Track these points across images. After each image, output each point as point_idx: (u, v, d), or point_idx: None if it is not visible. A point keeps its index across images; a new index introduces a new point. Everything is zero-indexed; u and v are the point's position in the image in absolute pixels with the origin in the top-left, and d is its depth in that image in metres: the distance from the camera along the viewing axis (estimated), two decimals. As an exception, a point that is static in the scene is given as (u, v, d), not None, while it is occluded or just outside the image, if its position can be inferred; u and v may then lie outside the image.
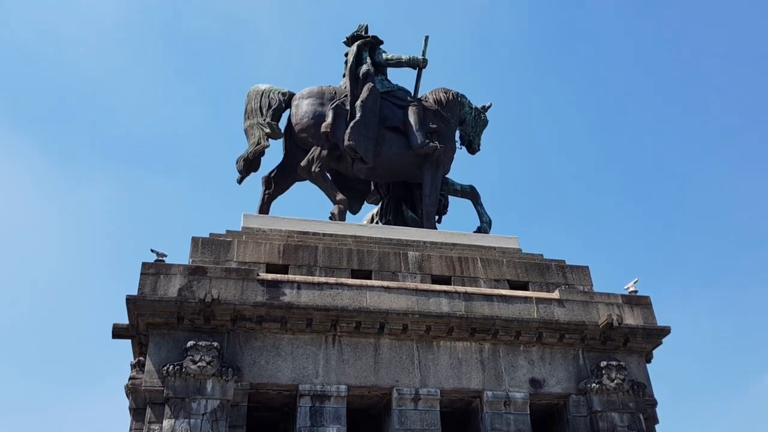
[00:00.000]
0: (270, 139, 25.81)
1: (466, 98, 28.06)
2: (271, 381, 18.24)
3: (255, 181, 26.50)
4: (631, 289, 21.83)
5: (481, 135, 28.47)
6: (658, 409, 20.19)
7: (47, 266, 78.37)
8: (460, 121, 27.76)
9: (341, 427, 18.02)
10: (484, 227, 26.44)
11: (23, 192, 73.54)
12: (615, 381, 19.35)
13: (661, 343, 20.84)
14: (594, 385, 19.35)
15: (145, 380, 17.43)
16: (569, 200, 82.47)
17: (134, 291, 18.29)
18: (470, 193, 27.48)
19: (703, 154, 76.61)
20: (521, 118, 76.16)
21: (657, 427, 20.04)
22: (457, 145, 27.68)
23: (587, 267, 23.19)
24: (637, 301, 21.34)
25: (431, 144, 25.35)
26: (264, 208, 25.50)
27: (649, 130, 77.89)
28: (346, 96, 25.49)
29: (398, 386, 18.78)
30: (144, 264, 18.85)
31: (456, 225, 39.31)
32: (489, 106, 28.56)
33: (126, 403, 18.46)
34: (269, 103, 25.87)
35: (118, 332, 19.23)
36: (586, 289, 22.11)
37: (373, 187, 28.38)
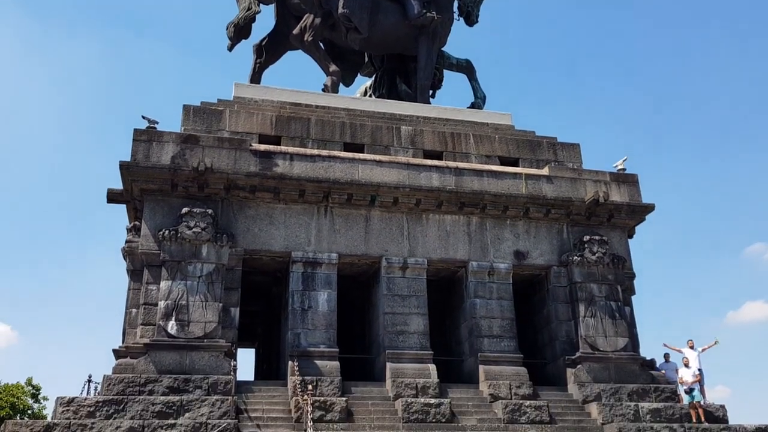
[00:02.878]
0: (261, 5, 24.95)
1: (466, -34, 26.88)
2: (265, 248, 18.82)
3: (246, 49, 25.93)
4: (620, 167, 22.09)
5: (479, 6, 27.56)
6: (636, 282, 21.14)
7: (38, 128, 77.76)
8: (458, -10, 26.76)
9: (332, 292, 18.84)
10: (478, 103, 26.24)
11: (6, 49, 71.40)
12: (596, 254, 20.09)
13: (644, 219, 21.42)
14: (576, 257, 20.10)
15: (141, 244, 17.95)
16: (564, 78, 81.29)
17: (128, 158, 18.39)
18: (466, 68, 27.00)
19: (694, 31, 74.84)
20: (522, -8, 73.33)
21: (633, 298, 21.06)
22: (455, 16, 26.85)
23: (578, 144, 23.33)
24: (624, 179, 21.68)
25: (428, 14, 24.58)
26: (255, 78, 25.09)
27: (643, 10, 75.52)
28: (340, -39, 24.35)
29: (387, 255, 19.44)
30: (136, 131, 18.82)
31: (450, 100, 38.89)
32: None
33: (124, 264, 19.10)
34: (260, -35, 24.74)
35: (112, 197, 19.53)
36: (575, 167, 22.36)
37: (367, 59, 27.80)
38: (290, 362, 17.61)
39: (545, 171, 21.36)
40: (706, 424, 17.81)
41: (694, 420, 17.96)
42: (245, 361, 54.89)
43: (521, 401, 17.63)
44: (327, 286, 18.87)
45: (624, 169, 22.05)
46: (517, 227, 20.63)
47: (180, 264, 17.67)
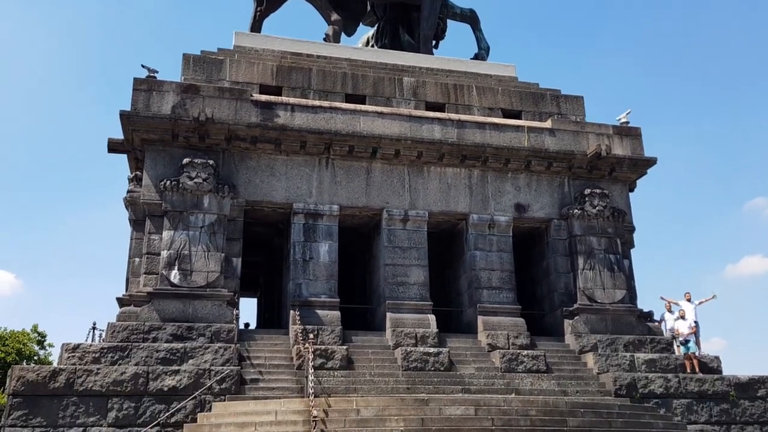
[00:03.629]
0: (262, -48, 24.41)
1: None
2: (266, 199, 18.88)
3: (246, -3, 25.44)
4: (623, 120, 21.94)
5: (484, -46, 26.92)
6: (636, 235, 21.24)
7: (40, 76, 77.07)
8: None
9: (333, 243, 18.99)
10: (482, 54, 25.89)
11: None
12: (597, 207, 20.15)
13: (646, 173, 21.39)
14: (576, 211, 20.16)
15: (143, 194, 18.02)
16: (569, 30, 79.89)
17: (128, 107, 18.29)
18: (470, 17, 26.55)
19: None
20: (529, -61, 71.49)
21: (632, 251, 21.20)
22: (459, -36, 26.28)
23: (581, 97, 23.12)
24: (627, 132, 21.57)
25: (432, -38, 24.03)
26: (256, 27, 24.72)
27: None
28: None
29: (388, 207, 19.52)
30: (136, 80, 18.66)
31: (453, 50, 38.32)
32: None
33: (126, 214, 19.21)
34: None
35: (113, 147, 19.50)
36: (578, 119, 22.23)
37: (369, 8, 27.31)
38: (292, 312, 17.88)
39: (548, 124, 21.24)
40: (700, 374, 18.16)
41: (689, 370, 18.30)
42: (247, 310, 55.66)
43: (519, 351, 17.95)
44: (328, 237, 19.01)
45: (627, 122, 21.91)
46: (519, 180, 20.63)
47: (182, 214, 17.77)
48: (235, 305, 17.84)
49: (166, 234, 17.60)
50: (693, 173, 74.05)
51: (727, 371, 18.96)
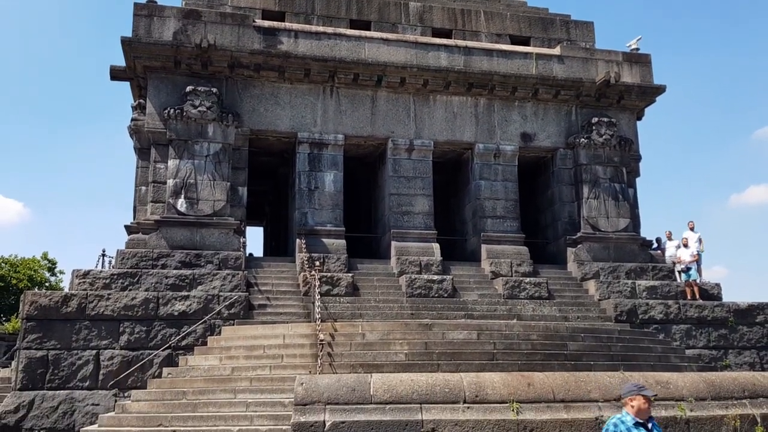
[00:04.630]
0: None
1: None
2: (271, 128, 18.80)
3: None
4: (633, 46, 21.47)
5: None
6: (642, 164, 21.16)
7: (42, 5, 75.64)
8: None
9: (338, 173, 19.02)
10: (490, -22, 25.10)
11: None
12: (603, 136, 20.00)
13: (654, 101, 21.10)
14: (583, 140, 20.03)
15: (147, 122, 17.96)
16: (585, -46, 77.04)
17: (129, 34, 18.00)
18: (478, -60, 25.61)
19: None
20: None
21: (638, 180, 21.18)
22: None
23: (592, 23, 22.57)
24: (636, 59, 21.14)
25: None
26: (258, -50, 23.93)
27: None
28: None
29: (393, 137, 19.42)
30: (136, 5, 18.28)
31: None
32: None
33: (131, 143, 19.22)
34: None
35: (116, 74, 19.31)
36: (588, 46, 21.77)
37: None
38: (298, 240, 18.10)
39: (557, 50, 20.83)
40: (700, 301, 18.45)
41: (689, 297, 18.59)
42: (254, 239, 56.27)
43: (521, 278, 18.23)
44: (333, 167, 19.02)
45: (637, 49, 21.45)
46: (525, 109, 20.42)
47: (187, 143, 17.76)
48: (242, 233, 18.06)
49: (172, 163, 17.65)
50: (701, 102, 73.00)
51: (727, 298, 19.27)
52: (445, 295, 17.42)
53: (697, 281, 19.07)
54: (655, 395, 6.17)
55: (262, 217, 27.05)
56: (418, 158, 19.57)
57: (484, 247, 19.29)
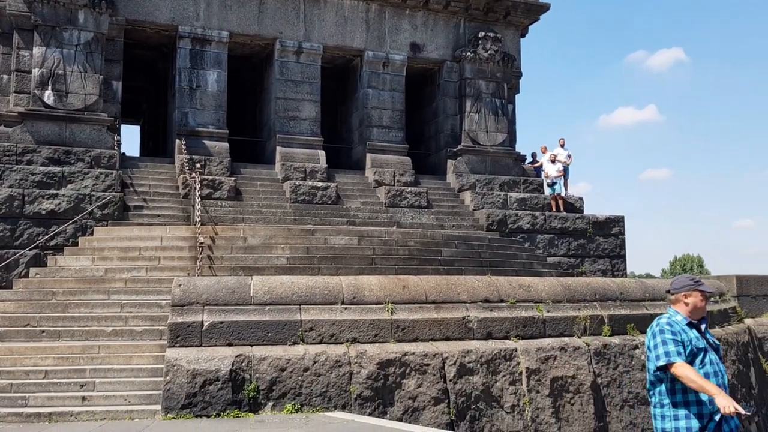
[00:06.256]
0: None
1: None
2: (149, 19, 17.61)
3: None
4: (523, -37, 21.66)
5: None
6: (522, 81, 21.93)
7: None
8: None
9: (222, 72, 18.30)
10: None
11: None
12: (489, 51, 20.42)
13: (538, 19, 21.66)
14: (469, 54, 20.35)
15: (9, 4, 16.19)
16: None
17: None
18: None
19: None
20: None
21: (517, 96, 21.98)
22: None
23: (486, -65, 22.42)
24: (525, -23, 21.42)
25: None
26: None
27: None
28: None
29: (281, 38, 18.81)
30: None
31: None
32: None
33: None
34: None
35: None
36: (480, -42, 21.70)
37: None
38: (178, 141, 17.47)
39: (449, -40, 20.65)
40: (564, 213, 19.87)
41: (554, 209, 19.94)
42: (131, 138, 53.50)
43: (403, 187, 18.74)
44: (217, 65, 18.25)
45: (527, -34, 21.67)
46: (416, 18, 20.33)
47: (54, 30, 16.29)
48: (117, 131, 17.14)
49: (38, 50, 16.18)
50: (581, 25, 75.52)
51: (588, 211, 20.83)
52: (329, 201, 17.64)
53: (562, 194, 20.44)
54: (713, 292, 5.09)
55: (139, 116, 25.70)
56: (306, 62, 19.15)
57: (369, 156, 19.53)
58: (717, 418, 4.43)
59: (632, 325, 10.97)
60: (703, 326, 4.74)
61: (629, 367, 10.45)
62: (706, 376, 4.51)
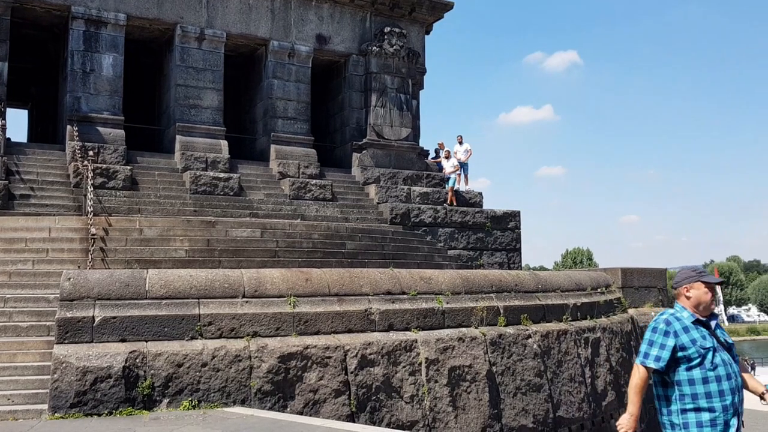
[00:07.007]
0: None
1: None
2: (38, -3, 16.59)
3: None
4: (429, -39, 22.03)
5: None
6: (426, 77, 22.32)
7: None
8: None
9: (118, 56, 17.51)
10: None
11: None
12: (394, 47, 20.65)
13: (443, 17, 22.13)
14: (375, 48, 20.50)
15: None
16: None
17: None
18: None
19: None
20: None
21: (421, 92, 22.36)
22: None
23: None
24: (430, -25, 21.80)
25: None
26: None
27: None
28: None
29: (183, 23, 18.23)
30: None
31: None
32: None
33: None
34: None
35: None
36: (386, -46, 21.87)
37: None
38: (69, 127, 16.58)
39: (356, -47, 20.70)
40: (465, 207, 20.43)
41: (449, 203, 20.43)
42: (17, 123, 50.19)
43: (308, 180, 18.66)
44: (113, 49, 17.44)
45: (432, -36, 22.06)
46: (322, 10, 20.24)
47: (-72, 2, 15.04)
48: (1, 115, 16.06)
49: None
50: (482, 25, 77.80)
51: (487, 206, 21.52)
52: (231, 193, 17.29)
53: (461, 190, 21.05)
54: (719, 282, 4.59)
55: (27, 99, 24.11)
56: (208, 49, 18.65)
57: (273, 148, 19.29)
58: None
59: (525, 315, 11.47)
60: (713, 323, 4.35)
61: (522, 356, 10.93)
62: (718, 379, 4.18)
